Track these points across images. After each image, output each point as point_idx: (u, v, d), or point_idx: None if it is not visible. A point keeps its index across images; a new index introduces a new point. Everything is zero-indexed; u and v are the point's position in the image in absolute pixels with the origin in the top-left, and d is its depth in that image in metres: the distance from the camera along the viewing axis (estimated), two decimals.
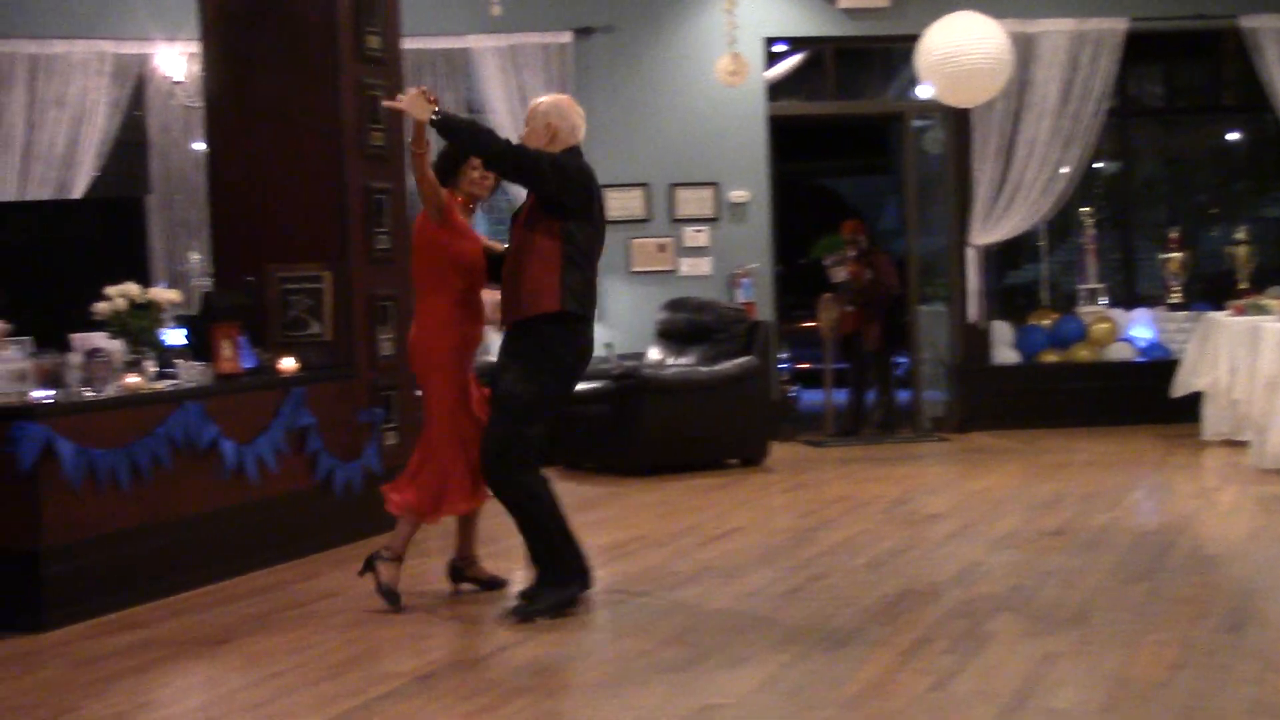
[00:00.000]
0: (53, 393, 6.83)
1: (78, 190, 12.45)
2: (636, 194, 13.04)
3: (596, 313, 6.71)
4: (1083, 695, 5.02)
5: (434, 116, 6.27)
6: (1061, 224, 14.70)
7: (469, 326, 6.77)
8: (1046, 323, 13.73)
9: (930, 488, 10.54)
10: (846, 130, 18.33)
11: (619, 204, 12.82)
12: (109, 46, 12.57)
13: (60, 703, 5.35)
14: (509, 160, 6.38)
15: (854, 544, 8.01)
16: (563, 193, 6.38)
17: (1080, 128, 13.21)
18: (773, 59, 13.72)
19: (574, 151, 6.54)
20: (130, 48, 12.54)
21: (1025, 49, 12.85)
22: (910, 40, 11.34)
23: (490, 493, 6.62)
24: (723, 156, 13.18)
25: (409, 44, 9.84)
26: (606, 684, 5.35)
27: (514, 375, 6.40)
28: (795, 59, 14.36)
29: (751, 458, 11.52)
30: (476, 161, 6.65)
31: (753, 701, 5.08)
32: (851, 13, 13.24)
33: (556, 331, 6.41)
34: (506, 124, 12.78)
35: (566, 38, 12.94)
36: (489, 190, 6.89)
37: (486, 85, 12.90)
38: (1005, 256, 15.35)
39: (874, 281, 13.17)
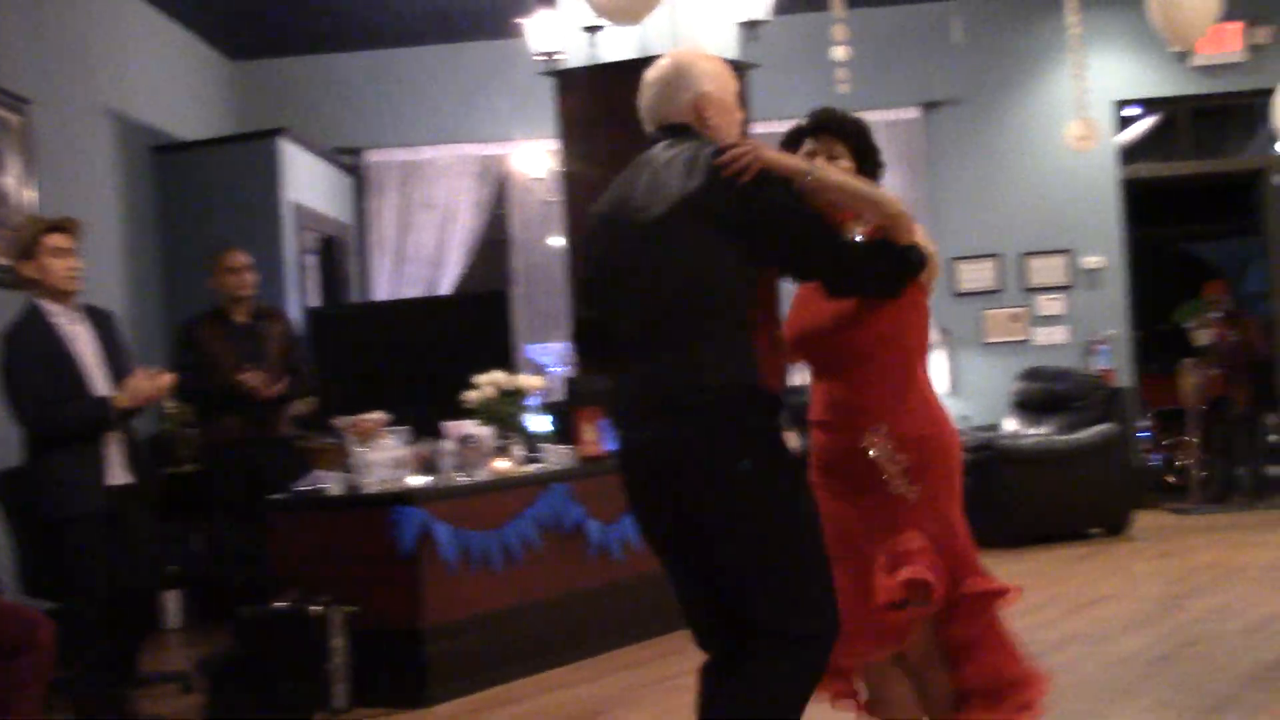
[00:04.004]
0: (429, 478, 7.17)
1: (446, 287, 13.04)
2: (988, 265, 12.94)
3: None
4: None
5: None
6: None
7: None
8: None
9: None
10: (1209, 191, 17.74)
11: (971, 275, 12.78)
12: (473, 149, 13.16)
13: None
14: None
15: (1228, 610, 7.78)
16: None
17: None
18: (1125, 122, 13.49)
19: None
20: (493, 149, 13.09)
21: None
22: (1267, 94, 11.07)
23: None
24: (1075, 223, 13.00)
25: (758, 128, 9.99)
26: None
27: None
28: (1148, 121, 14.05)
29: (1114, 526, 11.27)
30: None
31: None
32: (1205, 70, 12.94)
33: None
34: None
35: (915, 113, 13.00)
36: None
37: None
38: None
39: (1241, 343, 12.80)
